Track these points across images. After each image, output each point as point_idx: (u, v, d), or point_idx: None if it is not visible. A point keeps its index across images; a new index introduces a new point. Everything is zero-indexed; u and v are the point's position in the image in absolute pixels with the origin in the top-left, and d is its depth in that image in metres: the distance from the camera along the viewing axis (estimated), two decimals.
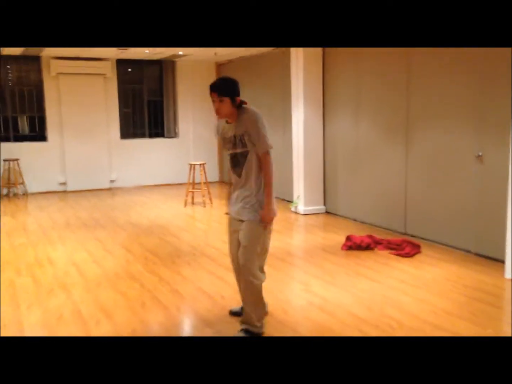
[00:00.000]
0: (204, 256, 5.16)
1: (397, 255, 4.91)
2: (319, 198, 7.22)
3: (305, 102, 6.96)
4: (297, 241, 5.86)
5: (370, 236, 5.31)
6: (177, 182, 10.32)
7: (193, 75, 10.37)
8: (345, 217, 6.80)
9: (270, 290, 4.10)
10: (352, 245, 5.16)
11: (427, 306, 3.66)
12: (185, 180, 10.17)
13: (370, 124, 6.23)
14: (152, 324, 3.52)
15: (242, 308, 3.39)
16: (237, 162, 3.17)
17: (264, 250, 3.32)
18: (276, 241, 5.72)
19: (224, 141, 3.22)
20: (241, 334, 3.17)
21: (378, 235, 5.50)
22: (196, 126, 10.54)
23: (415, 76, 5.46)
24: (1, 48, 8.20)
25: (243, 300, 3.25)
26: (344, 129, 6.72)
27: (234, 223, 3.32)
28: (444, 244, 5.21)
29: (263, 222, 3.13)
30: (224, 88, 3.06)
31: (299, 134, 7.13)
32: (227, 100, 3.04)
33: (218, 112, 3.09)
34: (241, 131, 3.09)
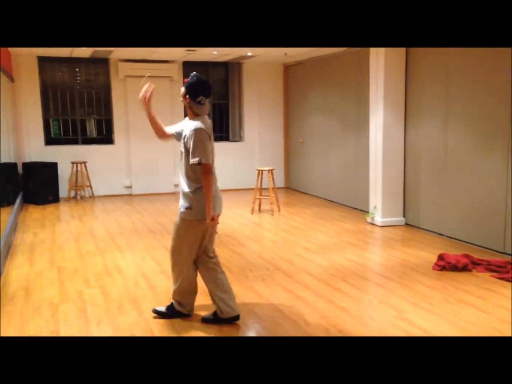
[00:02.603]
0: (278, 271, 4.77)
1: (501, 278, 4.31)
2: (399, 209, 6.66)
3: (385, 105, 6.43)
4: (378, 256, 5.35)
5: (466, 256, 4.72)
6: (241, 187, 10.03)
7: (260, 78, 10.05)
8: (429, 231, 6.20)
9: (359, 316, 3.65)
10: (446, 265, 4.60)
11: None
12: (249, 185, 9.89)
13: (463, 130, 5.61)
14: None
15: (214, 314, 3.59)
16: (181, 156, 3.47)
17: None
18: (354, 255, 5.27)
19: (181, 135, 3.47)
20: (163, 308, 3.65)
21: (475, 254, 4.90)
22: (262, 130, 10.20)
23: None
24: (72, 51, 8.19)
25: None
26: (429, 135, 6.13)
27: None
28: None
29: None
30: (187, 82, 3.38)
31: (377, 139, 6.60)
32: (183, 91, 3.39)
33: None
34: (185, 134, 3.37)
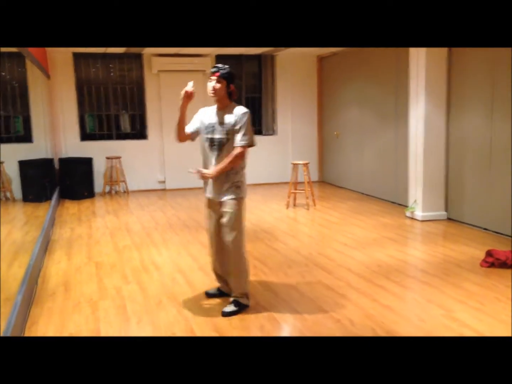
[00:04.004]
0: (317, 268, 4.64)
1: None
2: (440, 203, 6.42)
3: (426, 97, 6.19)
4: (420, 252, 5.16)
5: None
6: (274, 182, 9.92)
7: (293, 70, 9.88)
8: (473, 226, 5.96)
9: (406, 315, 3.50)
10: (495, 262, 4.38)
11: None
12: (283, 179, 9.78)
13: (509, 121, 5.35)
14: None
15: (218, 289, 3.89)
16: (213, 146, 3.56)
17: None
18: (395, 251, 5.09)
19: (205, 126, 3.58)
20: (232, 307, 3.57)
21: None
22: (296, 123, 10.05)
23: None
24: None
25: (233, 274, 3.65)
26: (473, 127, 5.87)
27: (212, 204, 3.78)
28: None
29: (202, 175, 3.65)
30: (225, 72, 3.46)
31: (418, 132, 6.38)
32: (223, 83, 3.45)
33: (214, 90, 3.46)
34: (229, 120, 3.45)
